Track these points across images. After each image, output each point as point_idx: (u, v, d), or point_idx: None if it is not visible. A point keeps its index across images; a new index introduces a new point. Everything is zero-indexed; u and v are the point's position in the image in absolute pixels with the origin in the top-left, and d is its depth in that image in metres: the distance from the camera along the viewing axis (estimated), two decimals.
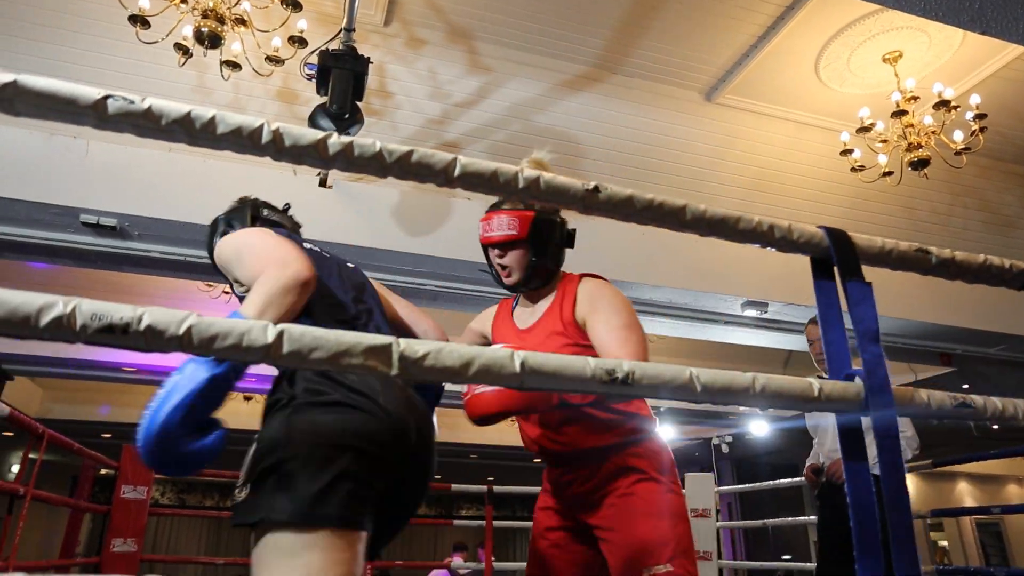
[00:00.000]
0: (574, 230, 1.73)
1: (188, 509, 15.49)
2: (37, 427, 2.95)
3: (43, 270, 5.93)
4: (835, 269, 0.96)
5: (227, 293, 6.41)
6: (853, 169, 4.31)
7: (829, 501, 3.29)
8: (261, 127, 0.75)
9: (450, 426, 10.20)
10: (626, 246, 4.60)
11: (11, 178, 3.53)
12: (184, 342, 0.53)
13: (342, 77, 3.13)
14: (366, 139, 0.82)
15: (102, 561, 4.12)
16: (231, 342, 0.55)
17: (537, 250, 1.65)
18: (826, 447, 3.31)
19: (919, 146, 4.12)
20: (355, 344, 0.59)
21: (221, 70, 3.31)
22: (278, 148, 0.76)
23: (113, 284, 6.78)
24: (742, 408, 8.51)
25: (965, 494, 12.43)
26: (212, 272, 4.34)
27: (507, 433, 10.97)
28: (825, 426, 3.28)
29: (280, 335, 0.57)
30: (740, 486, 5.50)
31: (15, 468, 12.93)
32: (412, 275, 4.44)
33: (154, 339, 0.53)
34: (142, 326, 0.53)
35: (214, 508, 16.04)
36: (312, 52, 3.30)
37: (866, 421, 0.85)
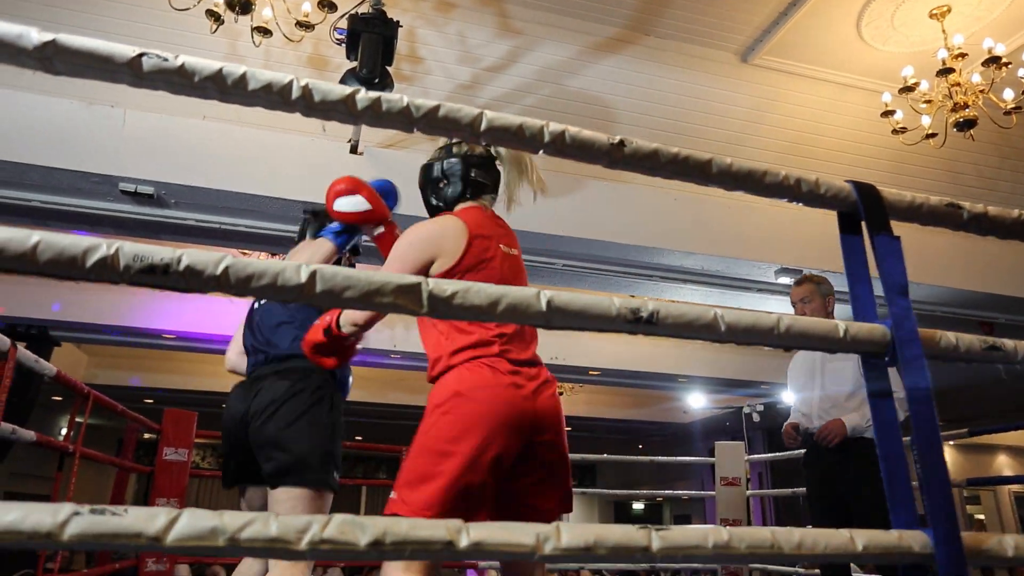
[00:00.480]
0: (458, 161, 1.73)
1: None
2: (83, 387, 3.07)
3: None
4: (863, 224, 0.95)
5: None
6: (895, 131, 4.19)
7: (817, 469, 2.97)
8: (291, 83, 0.77)
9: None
10: (658, 213, 4.56)
11: (52, 147, 3.63)
12: (221, 281, 0.56)
13: (372, 41, 3.13)
14: (394, 95, 0.83)
15: None
16: (266, 281, 0.58)
17: (423, 195, 1.80)
18: (814, 410, 3.08)
19: (965, 106, 3.99)
20: (385, 283, 0.61)
21: (252, 37, 3.34)
22: (307, 104, 0.78)
23: None
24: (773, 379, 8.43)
25: (1004, 467, 12.21)
26: (247, 239, 4.48)
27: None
28: (811, 394, 3.13)
29: (312, 275, 0.59)
30: (771, 454, 5.48)
31: (63, 430, 13.49)
32: None
33: (193, 278, 0.56)
34: (181, 266, 0.56)
35: None
36: (342, 16, 3.31)
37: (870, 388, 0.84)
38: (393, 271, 1.17)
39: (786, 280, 5.00)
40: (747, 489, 5.40)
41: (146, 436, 8.98)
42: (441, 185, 1.74)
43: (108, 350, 9.35)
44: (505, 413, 1.48)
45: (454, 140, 1.72)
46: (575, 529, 0.59)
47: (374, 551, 0.52)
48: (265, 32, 3.35)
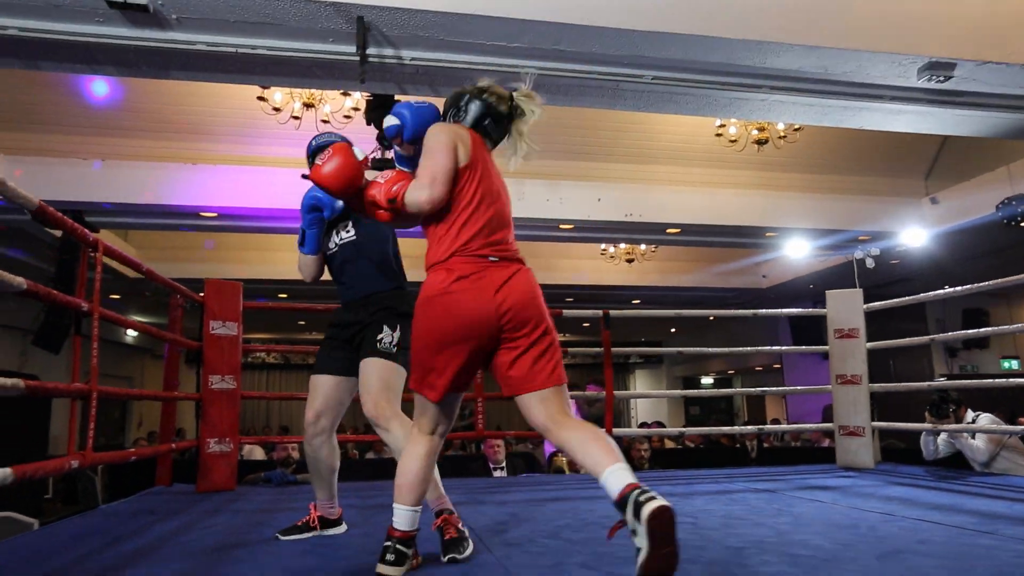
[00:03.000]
0: (480, 105, 1.96)
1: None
2: (87, 234, 2.53)
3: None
4: None
5: (296, 118, 5.88)
6: None
7: None
8: None
9: (545, 267, 9.74)
10: None
11: None
12: None
13: None
14: None
15: (202, 397, 3.91)
16: None
17: (443, 111, 2.03)
18: None
19: None
20: None
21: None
22: None
23: (180, 130, 6.37)
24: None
25: None
26: (267, 69, 3.80)
27: (606, 273, 10.44)
28: None
29: None
30: (896, 300, 4.74)
31: (131, 331, 13.66)
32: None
33: None
34: None
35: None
36: None
37: None
38: (437, 160, 1.79)
39: (926, 82, 4.06)
40: (866, 342, 4.73)
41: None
42: (459, 115, 1.96)
43: (153, 240, 9.04)
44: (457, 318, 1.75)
45: (490, 87, 1.97)
46: None
47: None
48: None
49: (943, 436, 4.36)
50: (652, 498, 1.46)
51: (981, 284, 3.90)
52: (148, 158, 6.47)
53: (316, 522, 2.41)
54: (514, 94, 1.96)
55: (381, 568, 1.73)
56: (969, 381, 8.27)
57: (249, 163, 6.68)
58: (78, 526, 2.69)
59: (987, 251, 8.29)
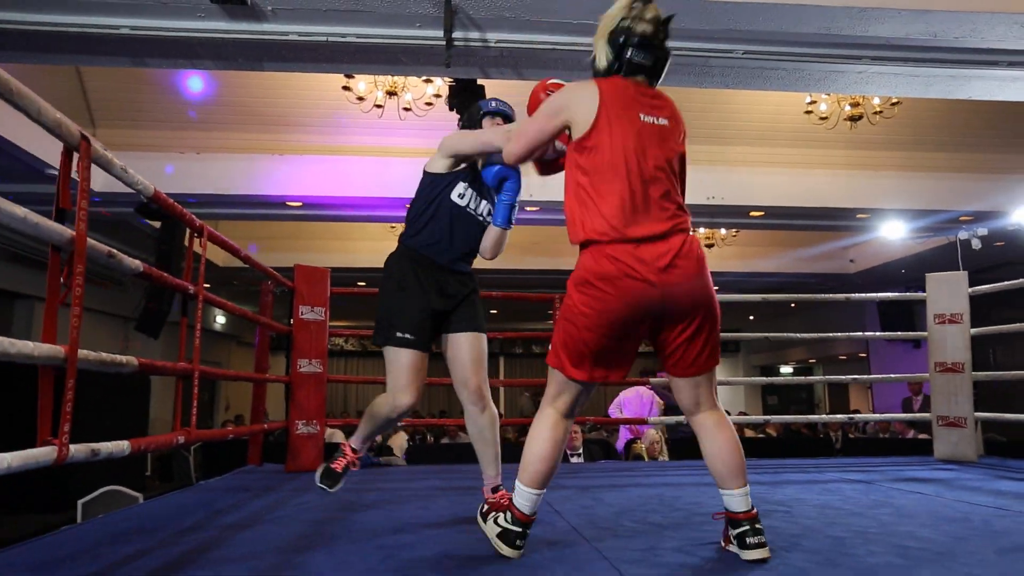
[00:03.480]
0: (621, 36, 1.73)
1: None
2: (194, 219, 2.65)
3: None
4: None
5: (379, 107, 5.99)
6: None
7: None
8: None
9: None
10: None
11: None
12: None
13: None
14: None
15: (292, 380, 4.06)
16: None
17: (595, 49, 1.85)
18: None
19: None
20: None
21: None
22: None
23: (267, 122, 6.59)
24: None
25: None
26: (354, 57, 3.86)
27: None
28: None
29: None
30: (1001, 284, 4.45)
31: (219, 317, 14.33)
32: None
33: None
34: None
35: None
36: None
37: None
38: (532, 128, 1.81)
39: None
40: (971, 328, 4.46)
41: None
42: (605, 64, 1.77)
43: (246, 232, 9.42)
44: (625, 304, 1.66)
45: (632, 9, 1.71)
46: None
47: None
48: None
49: None
50: (760, 545, 1.69)
51: None
52: (237, 150, 6.74)
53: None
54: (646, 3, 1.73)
55: (505, 551, 1.76)
56: None
57: (334, 152, 6.86)
58: (181, 500, 2.85)
59: None
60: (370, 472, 3.88)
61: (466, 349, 2.26)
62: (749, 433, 7.75)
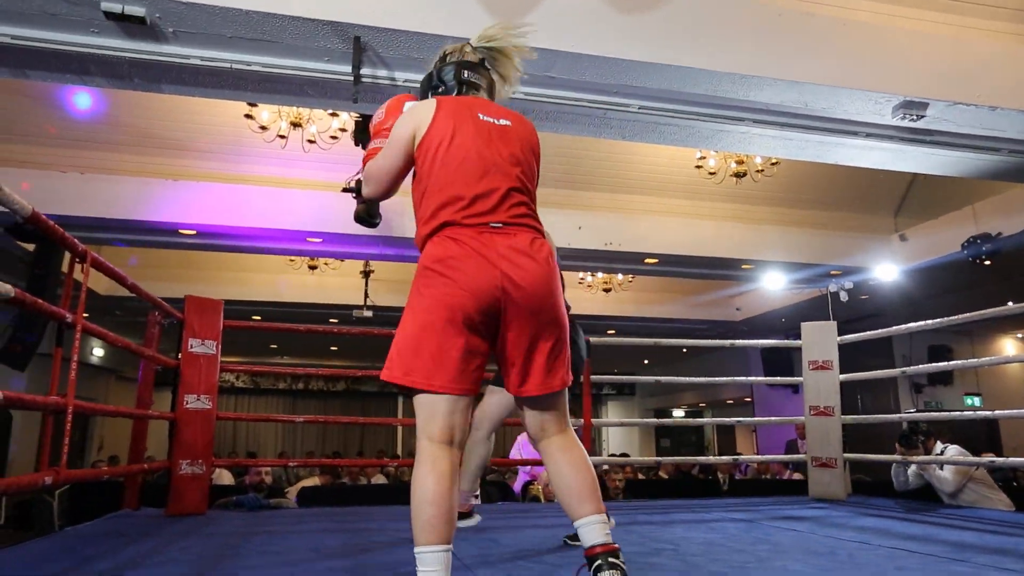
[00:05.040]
0: (452, 67, 1.90)
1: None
2: (76, 243, 2.50)
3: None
4: None
5: (282, 137, 5.88)
6: None
7: None
8: None
9: None
10: (757, 32, 3.76)
11: None
12: None
13: None
14: None
15: (177, 417, 3.84)
16: None
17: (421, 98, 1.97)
18: None
19: None
20: None
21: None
22: None
23: (163, 145, 6.33)
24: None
25: None
26: (259, 86, 3.81)
27: (584, 302, 10.48)
28: None
29: None
30: (867, 333, 4.85)
31: (96, 351, 13.35)
32: None
33: None
34: None
35: (288, 391, 16.50)
36: None
37: None
38: (388, 152, 1.78)
39: (901, 120, 4.20)
40: (840, 373, 4.82)
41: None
42: (440, 89, 1.90)
43: (127, 258, 8.90)
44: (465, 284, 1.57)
45: (448, 51, 1.94)
46: None
47: None
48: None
49: (913, 468, 4.42)
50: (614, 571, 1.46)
51: (944, 319, 4.04)
52: (128, 172, 6.41)
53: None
54: (471, 40, 1.91)
55: None
56: (936, 414, 8.43)
57: (232, 180, 6.64)
58: (42, 548, 2.59)
59: (953, 288, 8.52)
60: (258, 516, 3.70)
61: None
62: (642, 476, 7.94)
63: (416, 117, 1.75)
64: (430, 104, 1.76)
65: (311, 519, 3.61)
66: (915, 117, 4.14)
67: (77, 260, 2.56)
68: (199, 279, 9.20)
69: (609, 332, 12.66)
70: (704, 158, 6.55)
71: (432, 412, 1.54)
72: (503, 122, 1.78)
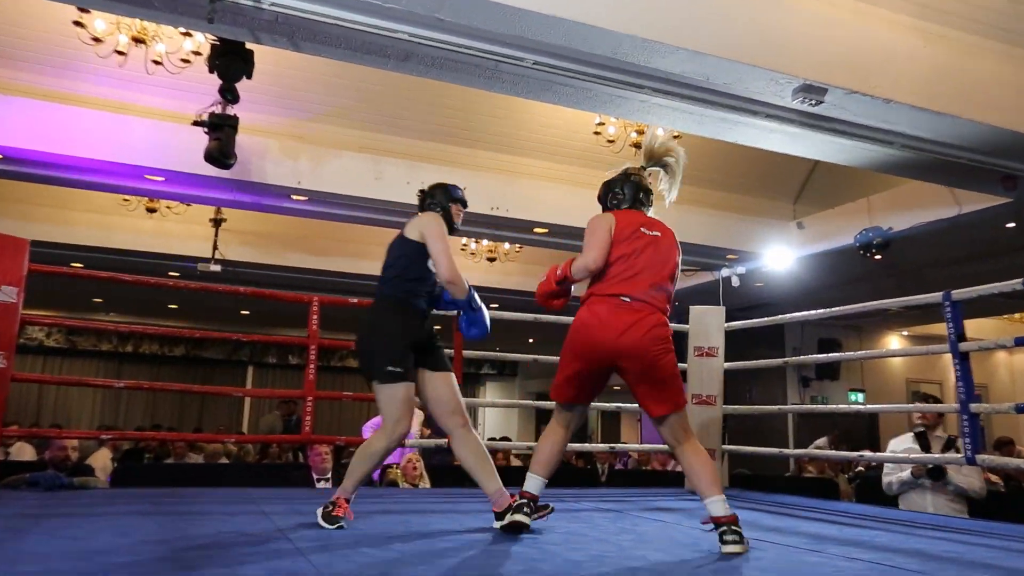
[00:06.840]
0: (633, 185, 2.92)
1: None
2: None
3: None
4: None
5: (121, 53, 5.50)
6: None
7: None
8: None
9: None
10: None
11: None
12: None
13: None
14: None
15: None
16: None
17: (602, 199, 3.02)
18: None
19: None
20: None
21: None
22: None
23: None
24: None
25: None
26: None
27: (465, 271, 10.54)
28: None
29: None
30: (755, 320, 5.22)
31: None
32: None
33: None
34: None
35: (113, 353, 15.60)
36: None
37: None
38: (594, 248, 2.76)
39: (801, 104, 4.51)
40: (724, 362, 5.16)
41: None
42: (617, 199, 2.92)
43: None
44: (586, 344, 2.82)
45: (632, 171, 2.95)
46: None
47: None
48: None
49: (906, 473, 4.36)
50: None
51: (830, 310, 4.51)
52: None
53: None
54: (642, 171, 2.94)
55: (518, 517, 2.68)
56: (820, 407, 9.25)
57: (55, 99, 6.15)
58: None
59: (845, 280, 9.27)
60: (55, 496, 3.53)
61: (449, 384, 2.99)
62: (516, 462, 8.18)
63: (608, 225, 2.81)
64: (612, 219, 2.83)
65: (122, 500, 3.50)
66: (814, 102, 4.45)
67: None
68: (5, 213, 8.51)
69: (492, 305, 12.83)
70: (603, 124, 6.72)
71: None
72: (655, 233, 2.83)
